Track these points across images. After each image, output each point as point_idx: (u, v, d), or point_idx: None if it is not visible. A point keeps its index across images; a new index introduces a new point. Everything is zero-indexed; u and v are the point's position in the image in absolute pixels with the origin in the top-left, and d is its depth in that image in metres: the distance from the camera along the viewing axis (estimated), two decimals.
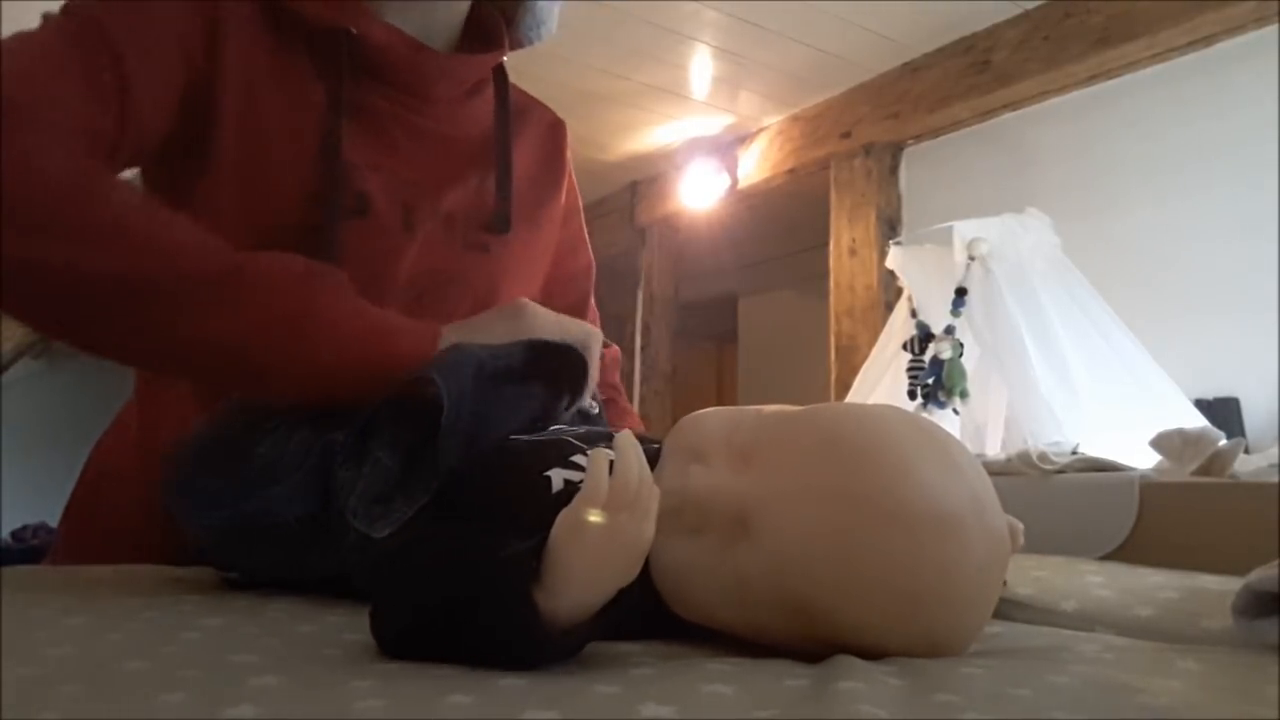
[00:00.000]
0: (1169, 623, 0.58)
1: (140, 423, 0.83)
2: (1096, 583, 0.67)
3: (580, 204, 1.02)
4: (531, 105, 0.95)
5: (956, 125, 3.15)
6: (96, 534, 0.82)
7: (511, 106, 0.89)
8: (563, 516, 0.39)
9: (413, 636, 0.40)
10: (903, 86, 3.21)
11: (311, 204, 0.74)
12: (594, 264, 1.04)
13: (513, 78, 0.95)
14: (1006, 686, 0.35)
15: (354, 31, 0.76)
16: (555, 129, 0.97)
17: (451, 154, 0.83)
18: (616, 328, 6.01)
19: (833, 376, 3.35)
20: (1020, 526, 0.48)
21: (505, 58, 0.88)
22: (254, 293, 0.61)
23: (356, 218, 0.76)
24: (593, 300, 1.04)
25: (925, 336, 2.02)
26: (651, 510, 0.39)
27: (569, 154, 0.97)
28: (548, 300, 0.97)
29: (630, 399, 4.63)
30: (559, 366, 0.65)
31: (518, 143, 0.88)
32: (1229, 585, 0.54)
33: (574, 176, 1.00)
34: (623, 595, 0.39)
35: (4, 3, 0.70)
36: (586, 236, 1.03)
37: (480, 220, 0.83)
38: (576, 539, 0.38)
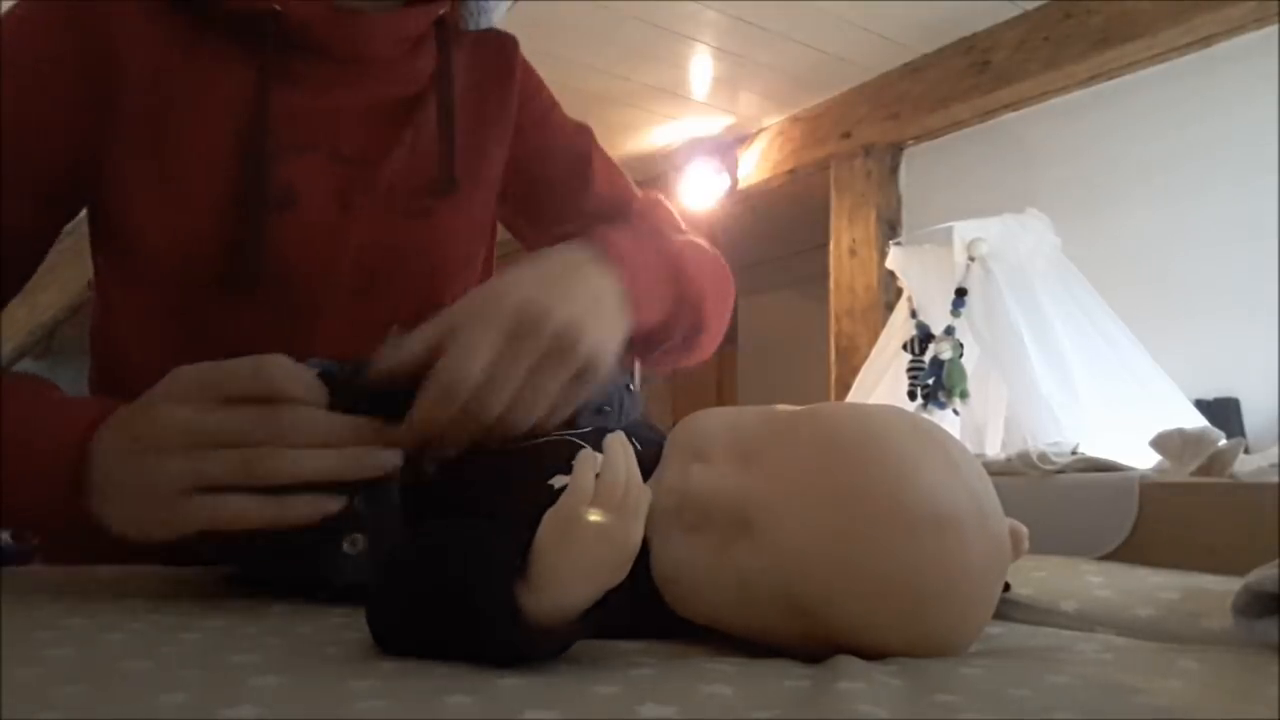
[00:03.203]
0: (1169, 623, 0.58)
1: None
2: (1096, 583, 0.67)
3: (551, 103, 0.91)
4: (476, 38, 0.86)
5: (956, 125, 3.15)
6: (84, 542, 0.82)
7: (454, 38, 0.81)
8: (549, 516, 0.39)
9: (405, 629, 0.40)
10: (903, 86, 3.22)
11: (234, 206, 0.70)
12: (590, 143, 0.92)
13: None
14: (1006, 686, 0.35)
15: (279, 10, 0.71)
16: (502, 45, 0.87)
17: (391, 116, 0.78)
18: None
19: (833, 377, 3.35)
20: (1024, 531, 0.48)
21: (446, 15, 0.80)
22: None
23: (283, 211, 0.72)
24: (602, 157, 0.92)
25: (925, 337, 2.02)
26: (640, 511, 0.39)
27: (519, 68, 0.88)
28: (547, 171, 0.89)
29: None
30: None
31: (458, 71, 0.81)
32: (1229, 585, 0.54)
33: (542, 87, 0.90)
34: (611, 596, 0.39)
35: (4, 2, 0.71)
36: (573, 126, 0.92)
37: (420, 184, 0.78)
38: (562, 539, 0.38)
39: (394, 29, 0.76)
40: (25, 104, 0.69)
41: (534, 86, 0.90)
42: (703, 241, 0.86)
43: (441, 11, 0.79)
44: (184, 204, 0.71)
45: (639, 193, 0.94)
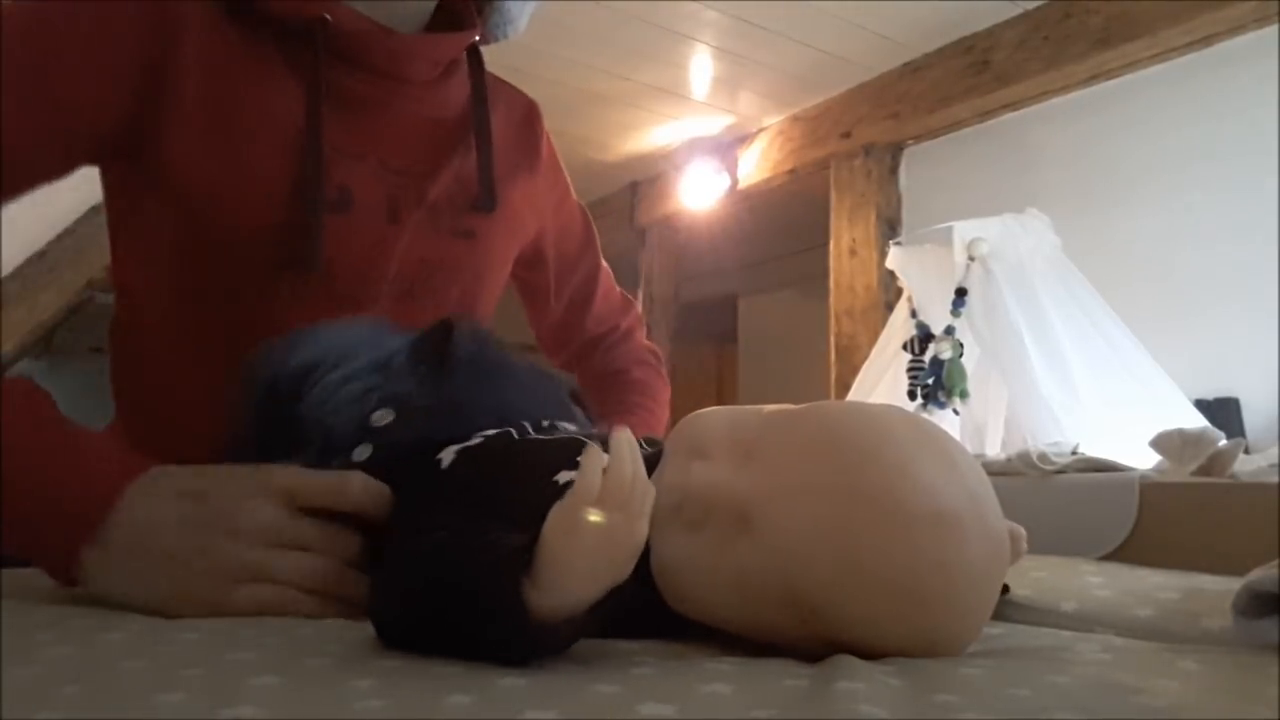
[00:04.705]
0: (1169, 623, 0.58)
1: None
2: (1096, 583, 0.67)
3: (568, 183, 1.01)
4: (503, 89, 0.94)
5: (956, 125, 3.15)
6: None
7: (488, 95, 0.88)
8: (554, 513, 0.38)
9: (407, 623, 0.40)
10: (903, 86, 3.22)
11: (293, 201, 0.73)
12: (597, 242, 1.04)
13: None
14: (1006, 686, 0.35)
15: (329, 19, 0.75)
16: (528, 111, 0.95)
17: (433, 138, 0.83)
18: None
19: (833, 376, 3.35)
20: (1022, 532, 0.48)
21: (478, 39, 0.87)
22: None
23: (339, 212, 0.75)
24: (603, 274, 1.05)
25: (925, 336, 2.02)
26: (645, 510, 0.39)
27: (545, 135, 0.96)
28: (557, 289, 1.00)
29: None
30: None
31: (494, 128, 0.87)
32: (1229, 585, 0.54)
33: (559, 159, 0.99)
34: (615, 593, 0.39)
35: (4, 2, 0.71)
36: (583, 212, 1.03)
37: (464, 204, 0.83)
38: (568, 536, 0.38)
39: (432, 51, 0.82)
40: (74, 56, 0.69)
41: (558, 168, 0.98)
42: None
43: (474, 39, 0.86)
44: (242, 198, 0.73)
45: (624, 303, 1.07)
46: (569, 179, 1.01)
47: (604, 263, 1.06)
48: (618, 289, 1.08)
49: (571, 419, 0.64)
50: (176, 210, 0.74)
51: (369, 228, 0.77)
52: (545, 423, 0.60)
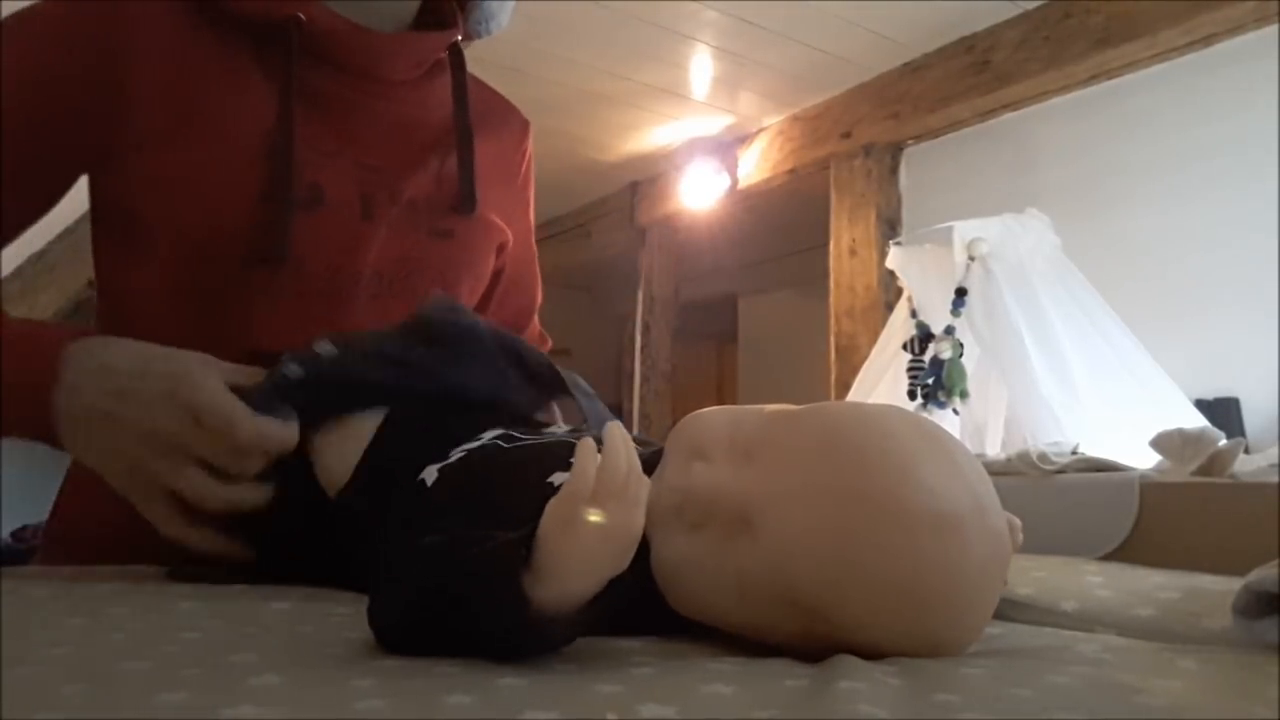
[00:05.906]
0: (1169, 623, 0.58)
1: None
2: (1096, 583, 0.67)
3: (529, 201, 1.00)
4: (501, 103, 0.95)
5: (956, 125, 3.16)
6: (81, 540, 0.82)
7: (477, 102, 0.88)
8: (551, 506, 0.39)
9: (407, 625, 0.40)
10: (903, 86, 3.22)
11: (263, 199, 0.73)
12: (539, 281, 1.04)
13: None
14: (1006, 686, 0.35)
15: (302, 18, 0.74)
16: (521, 130, 0.96)
17: (412, 138, 0.82)
18: (616, 327, 6.02)
19: (833, 376, 3.35)
20: (1018, 523, 0.48)
21: (460, 38, 0.86)
22: None
23: (310, 209, 0.75)
24: (537, 308, 1.04)
25: (925, 336, 2.02)
26: (641, 499, 0.39)
27: (529, 157, 0.96)
28: (500, 301, 0.97)
29: (630, 399, 4.64)
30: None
31: (481, 135, 0.87)
32: (1229, 585, 0.54)
33: (534, 183, 0.98)
34: (613, 585, 0.39)
35: (4, 1, 0.72)
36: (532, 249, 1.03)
37: (443, 205, 0.82)
38: (565, 528, 0.38)
39: (409, 50, 0.82)
40: (23, 99, 0.71)
41: (529, 188, 0.97)
42: None
43: (455, 39, 0.84)
44: (212, 197, 0.73)
45: (542, 339, 1.04)
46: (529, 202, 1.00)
47: (540, 297, 1.05)
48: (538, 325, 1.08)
49: (523, 400, 0.66)
50: (149, 210, 0.74)
51: (342, 224, 0.77)
52: (523, 426, 0.61)
